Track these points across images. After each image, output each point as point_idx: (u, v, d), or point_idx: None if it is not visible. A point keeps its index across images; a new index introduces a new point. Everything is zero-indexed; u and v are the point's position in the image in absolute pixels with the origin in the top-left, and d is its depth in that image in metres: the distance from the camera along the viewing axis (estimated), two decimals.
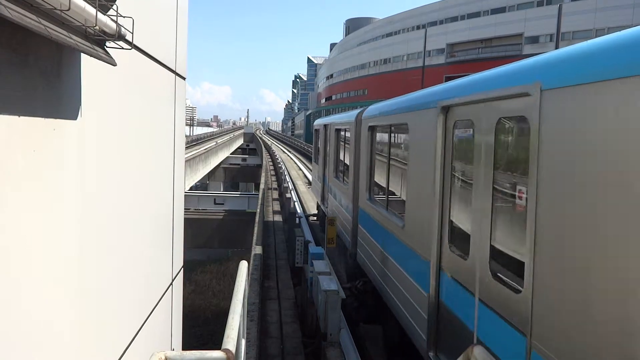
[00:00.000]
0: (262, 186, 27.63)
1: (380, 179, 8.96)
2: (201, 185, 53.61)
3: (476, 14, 63.27)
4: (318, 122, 18.51)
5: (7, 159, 2.35)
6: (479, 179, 4.34)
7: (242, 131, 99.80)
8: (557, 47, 49.43)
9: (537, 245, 3.37)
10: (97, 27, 2.72)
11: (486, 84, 4.42)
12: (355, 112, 11.14)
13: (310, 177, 42.95)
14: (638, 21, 44.63)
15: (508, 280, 3.89)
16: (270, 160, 49.47)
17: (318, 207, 18.98)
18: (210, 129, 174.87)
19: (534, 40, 53.82)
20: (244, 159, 66.15)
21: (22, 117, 2.44)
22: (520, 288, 3.61)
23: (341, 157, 13.11)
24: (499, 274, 4.05)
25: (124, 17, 3.07)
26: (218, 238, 35.62)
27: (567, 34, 49.61)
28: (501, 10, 60.16)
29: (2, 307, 2.35)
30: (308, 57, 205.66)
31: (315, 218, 19.70)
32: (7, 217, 2.37)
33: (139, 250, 4.71)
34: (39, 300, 2.70)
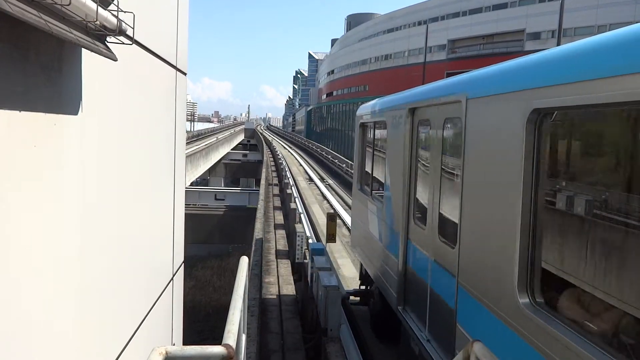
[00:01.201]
0: (262, 182, 27.66)
1: None
2: (202, 180, 53.67)
3: (478, 10, 63.04)
4: (378, 106, 9.09)
5: (8, 155, 2.35)
6: None
7: (243, 127, 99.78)
8: (558, 44, 49.19)
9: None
10: (97, 22, 2.72)
11: None
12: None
13: (311, 174, 42.96)
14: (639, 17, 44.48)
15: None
16: (271, 156, 49.51)
17: (363, 277, 10.53)
18: (211, 125, 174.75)
19: (536, 36, 53.67)
20: (244, 155, 66.18)
21: (22, 112, 2.44)
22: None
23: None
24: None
25: (124, 12, 3.06)
26: (219, 234, 35.71)
27: (569, 30, 49.46)
28: (503, 6, 59.94)
29: (3, 303, 2.36)
30: (309, 53, 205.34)
31: (358, 299, 10.62)
32: (8, 212, 2.37)
33: (140, 246, 4.72)
34: (39, 296, 2.71)
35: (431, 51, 67.68)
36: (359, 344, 8.69)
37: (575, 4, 48.85)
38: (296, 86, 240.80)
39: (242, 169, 60.04)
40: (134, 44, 3.45)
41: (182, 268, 6.68)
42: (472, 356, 2.48)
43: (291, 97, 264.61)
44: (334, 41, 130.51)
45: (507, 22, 56.98)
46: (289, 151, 66.26)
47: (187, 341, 7.50)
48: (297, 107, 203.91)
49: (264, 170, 34.24)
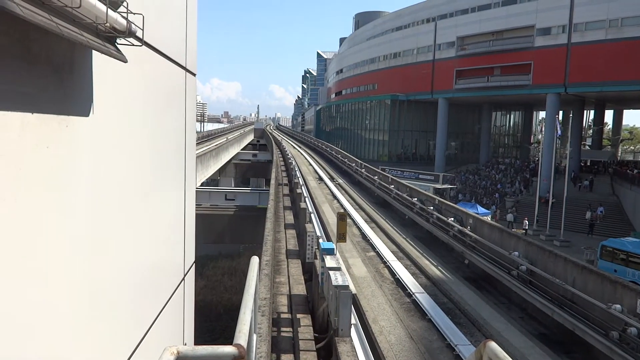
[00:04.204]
0: (272, 182, 27.68)
1: None
2: (212, 181, 53.84)
3: (487, 6, 62.45)
4: None
5: (21, 155, 2.37)
6: None
7: (252, 127, 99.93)
8: (569, 39, 48.53)
9: None
10: (107, 24, 2.73)
11: None
12: None
13: (320, 173, 42.91)
14: None
15: None
16: (280, 155, 49.55)
17: None
18: (220, 125, 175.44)
19: (546, 32, 53.07)
20: (254, 155, 66.27)
21: (35, 114, 2.46)
22: None
23: None
24: None
25: (134, 13, 3.08)
26: (229, 233, 35.80)
27: (579, 24, 48.90)
28: (512, 1, 59.30)
29: (18, 303, 2.38)
30: (317, 52, 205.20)
31: None
32: (21, 212, 2.39)
33: (151, 246, 4.74)
34: (52, 296, 2.72)
35: (440, 48, 67.28)
36: (369, 344, 8.65)
37: None
38: (305, 86, 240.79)
39: (252, 169, 60.14)
40: (143, 46, 3.46)
41: (193, 268, 6.70)
42: (485, 356, 2.45)
43: (300, 96, 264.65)
44: (342, 40, 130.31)
45: (517, 17, 56.38)
46: (298, 151, 66.30)
47: (198, 341, 7.52)
48: (306, 106, 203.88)
49: (273, 170, 34.27)
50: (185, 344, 6.18)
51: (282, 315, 10.03)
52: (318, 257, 11.13)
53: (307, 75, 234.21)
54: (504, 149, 79.63)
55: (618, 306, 11.25)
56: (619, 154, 76.89)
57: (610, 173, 51.54)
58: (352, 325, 8.61)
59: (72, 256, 2.95)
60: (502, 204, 47.38)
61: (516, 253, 15.82)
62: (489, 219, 28.41)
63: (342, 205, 28.44)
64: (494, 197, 50.23)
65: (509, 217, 40.86)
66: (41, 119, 2.53)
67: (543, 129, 56.48)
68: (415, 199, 26.30)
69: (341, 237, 12.60)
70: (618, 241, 25.76)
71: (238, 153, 60.77)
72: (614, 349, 10.68)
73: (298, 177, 29.21)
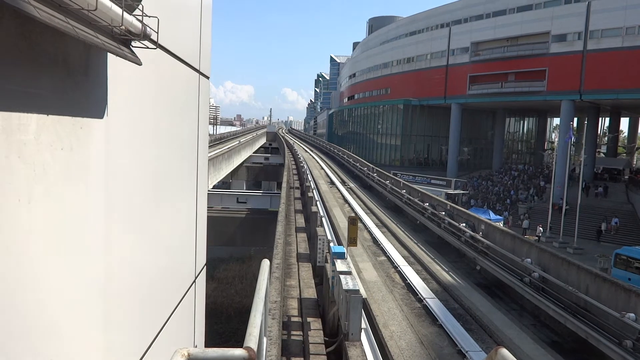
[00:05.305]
0: (284, 185, 27.72)
1: None
2: (224, 184, 54.07)
3: (502, 12, 62.12)
4: None
5: (37, 157, 2.39)
6: None
7: (264, 130, 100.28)
8: (585, 46, 48.08)
9: None
10: (123, 27, 2.76)
11: None
12: None
13: (332, 177, 42.90)
14: None
15: None
16: (292, 159, 49.64)
17: None
18: (233, 128, 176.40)
19: (562, 38, 52.60)
20: (266, 158, 66.54)
21: (50, 116, 2.49)
22: None
23: None
24: None
25: (149, 16, 3.10)
26: (240, 236, 35.91)
27: (595, 32, 48.44)
28: (527, 8, 58.93)
29: (29, 305, 2.40)
30: (331, 56, 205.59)
31: None
32: (35, 213, 2.42)
33: (163, 248, 4.76)
34: (65, 298, 2.75)
35: (454, 54, 66.98)
36: (380, 348, 8.61)
37: (602, 5, 47.78)
38: (318, 89, 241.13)
39: (263, 172, 60.37)
40: (158, 48, 3.49)
41: (204, 271, 6.72)
42: None
43: (313, 100, 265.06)
44: (355, 44, 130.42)
45: (532, 24, 55.95)
46: (310, 154, 66.38)
47: (209, 343, 7.54)
48: (319, 110, 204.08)
49: (285, 173, 34.34)
50: (196, 346, 6.19)
51: (293, 319, 10.02)
52: (329, 261, 11.10)
53: (320, 79, 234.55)
54: (517, 155, 78.99)
55: (632, 315, 11.08)
56: (635, 162, 75.92)
57: (625, 181, 50.88)
58: (363, 330, 8.58)
59: (85, 258, 2.98)
60: (514, 210, 46.97)
61: (529, 260, 15.66)
62: (501, 225, 28.18)
63: (353, 209, 28.39)
64: (506, 203, 49.82)
65: (525, 223, 40.50)
66: (56, 120, 2.56)
67: (557, 136, 55.98)
68: (427, 204, 26.18)
69: (352, 241, 12.57)
70: (632, 249, 25.40)
71: (250, 156, 61.04)
72: (628, 358, 10.52)
73: (309, 181, 29.23)
